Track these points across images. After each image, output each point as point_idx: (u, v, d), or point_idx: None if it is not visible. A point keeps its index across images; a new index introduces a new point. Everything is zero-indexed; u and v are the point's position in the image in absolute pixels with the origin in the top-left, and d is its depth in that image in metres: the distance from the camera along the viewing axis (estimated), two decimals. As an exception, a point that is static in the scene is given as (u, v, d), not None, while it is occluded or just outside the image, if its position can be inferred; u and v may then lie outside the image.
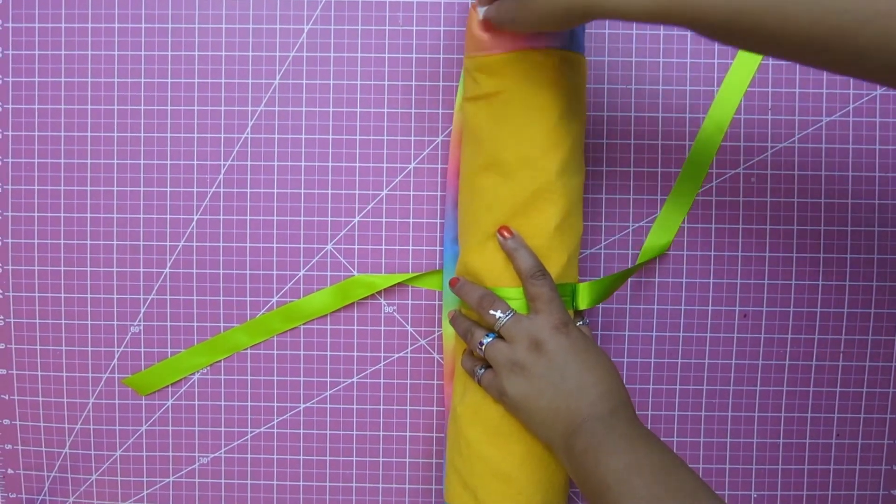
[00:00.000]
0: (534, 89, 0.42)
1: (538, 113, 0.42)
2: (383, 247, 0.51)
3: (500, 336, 0.42)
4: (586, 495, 0.38)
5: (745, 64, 0.50)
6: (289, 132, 0.51)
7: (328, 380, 0.52)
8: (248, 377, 0.52)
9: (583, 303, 0.45)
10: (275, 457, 0.52)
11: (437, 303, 0.51)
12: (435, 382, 0.52)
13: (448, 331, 0.49)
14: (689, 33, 0.50)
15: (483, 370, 0.43)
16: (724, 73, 0.50)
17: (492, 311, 0.42)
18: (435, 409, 0.52)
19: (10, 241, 0.52)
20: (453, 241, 0.49)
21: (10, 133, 0.51)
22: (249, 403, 0.52)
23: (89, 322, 0.52)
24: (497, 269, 0.43)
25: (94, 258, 0.51)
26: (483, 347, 0.42)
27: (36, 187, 0.51)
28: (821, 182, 0.50)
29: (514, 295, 0.43)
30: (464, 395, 0.45)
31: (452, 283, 0.45)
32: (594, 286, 0.46)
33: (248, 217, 0.51)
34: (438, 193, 0.51)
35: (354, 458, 0.52)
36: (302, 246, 0.51)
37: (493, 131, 0.43)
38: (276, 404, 0.52)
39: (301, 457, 0.52)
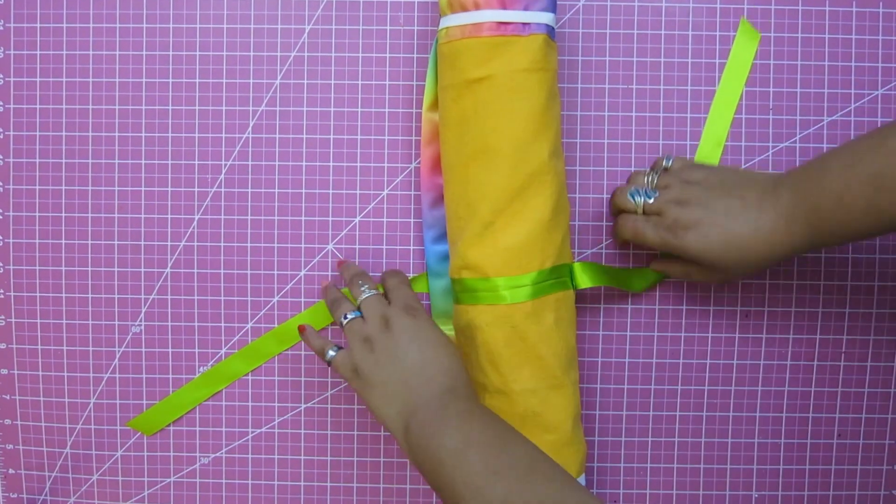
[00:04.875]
0: (523, 73, 0.42)
1: (528, 97, 0.42)
2: (384, 247, 0.51)
3: (360, 313, 0.43)
4: (424, 476, 0.39)
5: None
6: (290, 132, 0.51)
7: (329, 380, 0.52)
8: (249, 377, 0.52)
9: (582, 282, 0.46)
10: (276, 457, 0.52)
11: (437, 303, 0.51)
12: (436, 382, 0.52)
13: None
14: (689, 33, 0.50)
15: (334, 352, 0.43)
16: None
17: (360, 284, 0.44)
18: (436, 409, 0.52)
19: (11, 240, 0.52)
20: (434, 241, 0.49)
21: (12, 133, 0.51)
22: (250, 403, 0.52)
23: (90, 322, 0.52)
24: (499, 258, 0.43)
25: (95, 258, 0.51)
26: (345, 321, 0.43)
27: (37, 187, 0.51)
28: (822, 182, 0.50)
29: (521, 282, 0.43)
30: None
31: (339, 264, 0.48)
32: (589, 266, 0.47)
33: (248, 217, 0.51)
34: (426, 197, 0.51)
35: (355, 459, 0.52)
36: (303, 246, 0.51)
37: (482, 118, 0.43)
38: (276, 404, 0.52)
39: (302, 457, 0.52)
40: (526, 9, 0.42)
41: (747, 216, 0.41)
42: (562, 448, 0.44)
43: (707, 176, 0.44)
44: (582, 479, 0.46)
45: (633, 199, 0.45)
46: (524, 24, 0.42)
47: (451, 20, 0.43)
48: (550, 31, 0.43)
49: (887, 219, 0.37)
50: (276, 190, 0.51)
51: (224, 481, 0.53)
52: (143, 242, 0.51)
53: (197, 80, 0.50)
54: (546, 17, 0.43)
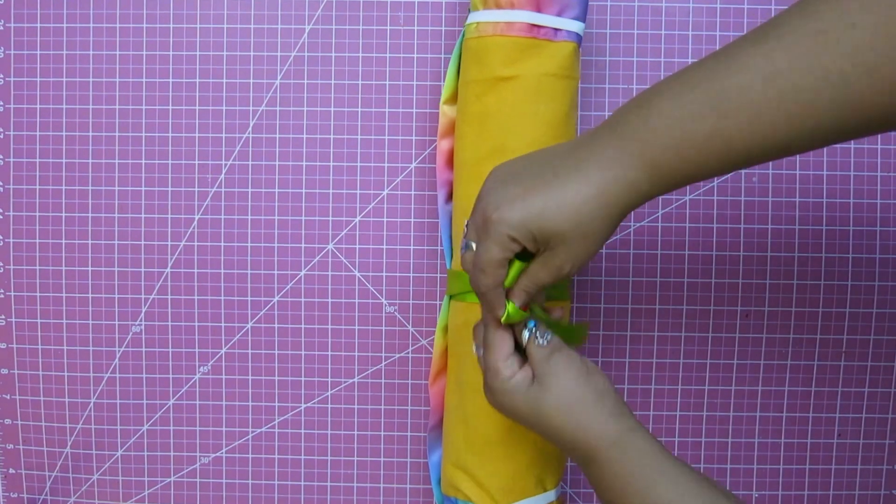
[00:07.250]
0: (551, 78, 0.42)
1: (552, 101, 0.42)
2: (384, 246, 0.51)
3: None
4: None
5: None
6: (290, 132, 0.51)
7: (329, 380, 0.52)
8: (250, 377, 0.52)
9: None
10: (276, 457, 0.52)
11: (437, 302, 0.51)
12: (436, 382, 0.52)
13: (440, 332, 0.48)
14: (689, 33, 0.50)
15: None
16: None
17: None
18: (436, 408, 0.52)
19: (11, 240, 0.52)
20: (451, 239, 0.49)
21: (12, 133, 0.51)
22: (251, 403, 0.52)
23: (90, 322, 0.52)
24: None
25: (96, 258, 0.51)
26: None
27: (37, 187, 0.51)
28: (822, 181, 0.50)
29: None
30: (458, 379, 0.45)
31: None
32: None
33: (249, 217, 0.51)
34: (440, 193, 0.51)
35: (355, 458, 0.52)
36: (303, 246, 0.51)
37: (504, 116, 0.43)
38: (277, 404, 0.52)
39: (302, 457, 0.52)
40: (559, 14, 0.42)
41: (565, 185, 0.32)
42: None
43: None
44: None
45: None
46: (556, 29, 0.42)
47: (484, 16, 0.43)
48: (579, 40, 0.43)
49: (736, 152, 0.30)
50: (276, 190, 0.51)
51: (224, 481, 0.53)
52: (143, 242, 0.51)
53: (197, 80, 0.50)
54: (577, 26, 0.43)
